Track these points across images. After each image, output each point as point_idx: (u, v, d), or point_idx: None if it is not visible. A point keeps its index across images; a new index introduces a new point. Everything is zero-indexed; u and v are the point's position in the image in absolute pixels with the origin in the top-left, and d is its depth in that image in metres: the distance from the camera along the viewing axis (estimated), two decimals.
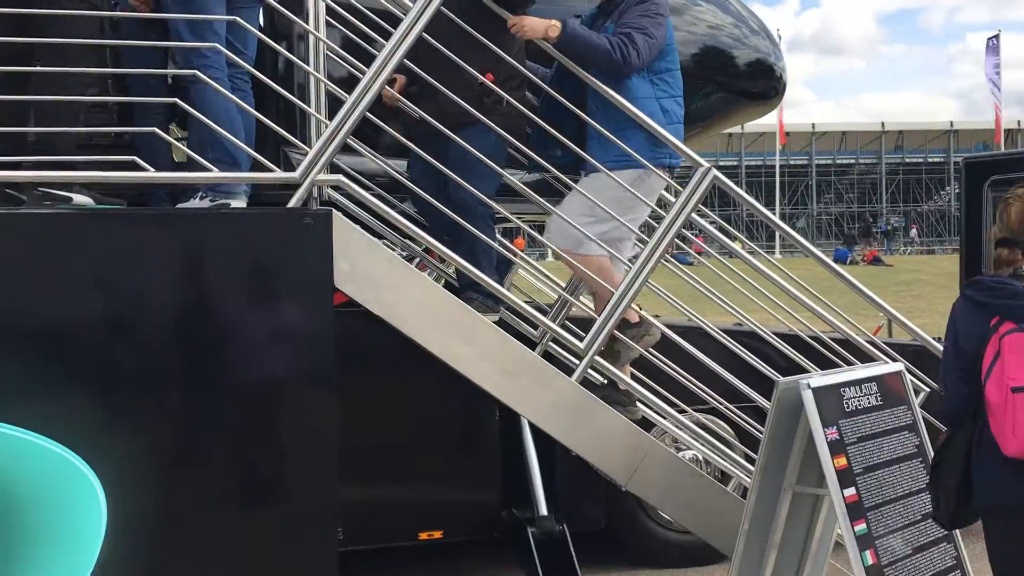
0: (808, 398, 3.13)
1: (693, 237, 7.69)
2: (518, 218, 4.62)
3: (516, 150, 3.91)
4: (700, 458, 5.03)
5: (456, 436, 4.91)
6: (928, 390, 4.36)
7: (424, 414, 4.90)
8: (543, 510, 4.81)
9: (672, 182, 4.04)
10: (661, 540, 5.02)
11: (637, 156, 3.73)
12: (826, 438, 3.11)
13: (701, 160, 3.81)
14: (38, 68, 3.13)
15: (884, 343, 4.54)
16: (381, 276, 3.51)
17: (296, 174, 3.35)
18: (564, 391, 3.70)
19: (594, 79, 3.75)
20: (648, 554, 5.17)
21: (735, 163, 49.60)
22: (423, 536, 4.88)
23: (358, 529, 4.83)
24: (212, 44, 3.34)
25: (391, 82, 3.67)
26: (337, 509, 3.76)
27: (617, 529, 5.15)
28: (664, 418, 4.01)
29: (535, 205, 3.94)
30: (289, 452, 3.54)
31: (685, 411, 4.85)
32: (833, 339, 4.77)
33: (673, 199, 3.92)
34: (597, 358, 3.71)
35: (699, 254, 4.67)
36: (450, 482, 4.94)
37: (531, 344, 4.12)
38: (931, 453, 3.43)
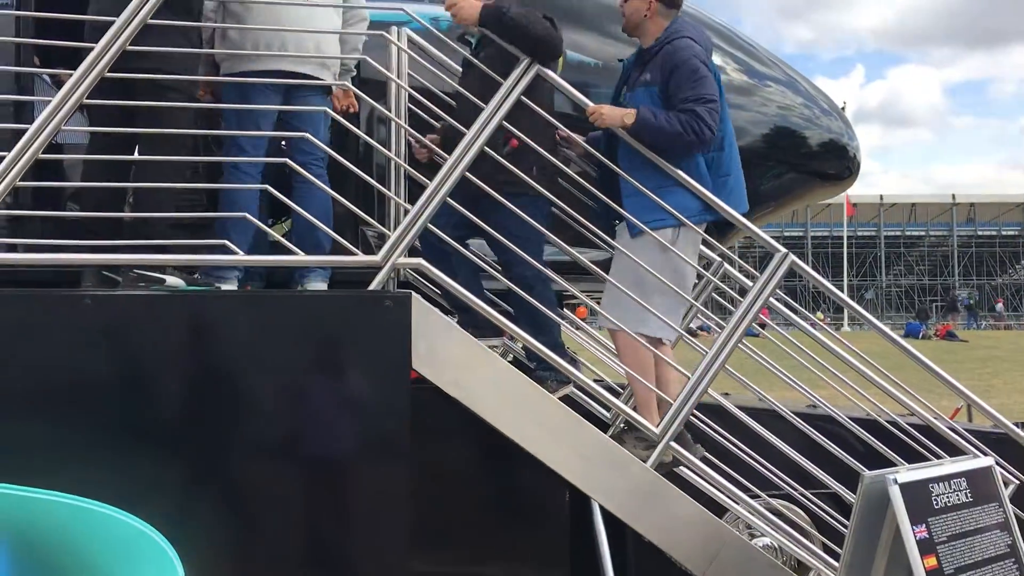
0: (895, 494, 3.04)
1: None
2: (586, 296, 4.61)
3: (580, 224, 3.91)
4: (775, 546, 4.90)
5: (525, 517, 4.86)
6: (1017, 483, 4.20)
7: (493, 495, 4.89)
8: None
9: (705, 235, 3.95)
10: None
11: (680, 215, 3.69)
12: (915, 536, 3.01)
13: (779, 246, 3.79)
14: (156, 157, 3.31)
15: (965, 429, 4.39)
16: (457, 358, 3.54)
17: (378, 257, 3.42)
18: (638, 476, 3.65)
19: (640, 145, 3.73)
20: None
21: (801, 234, 49.13)
22: None
23: None
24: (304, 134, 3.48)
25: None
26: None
27: None
28: (737, 503, 3.92)
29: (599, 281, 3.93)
30: (363, 530, 3.57)
31: (758, 496, 4.76)
32: (911, 423, 4.65)
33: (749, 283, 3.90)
34: (674, 445, 3.67)
35: (762, 327, 4.58)
36: (519, 564, 4.89)
37: (603, 426, 4.09)
38: (1023, 551, 3.30)
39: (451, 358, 3.54)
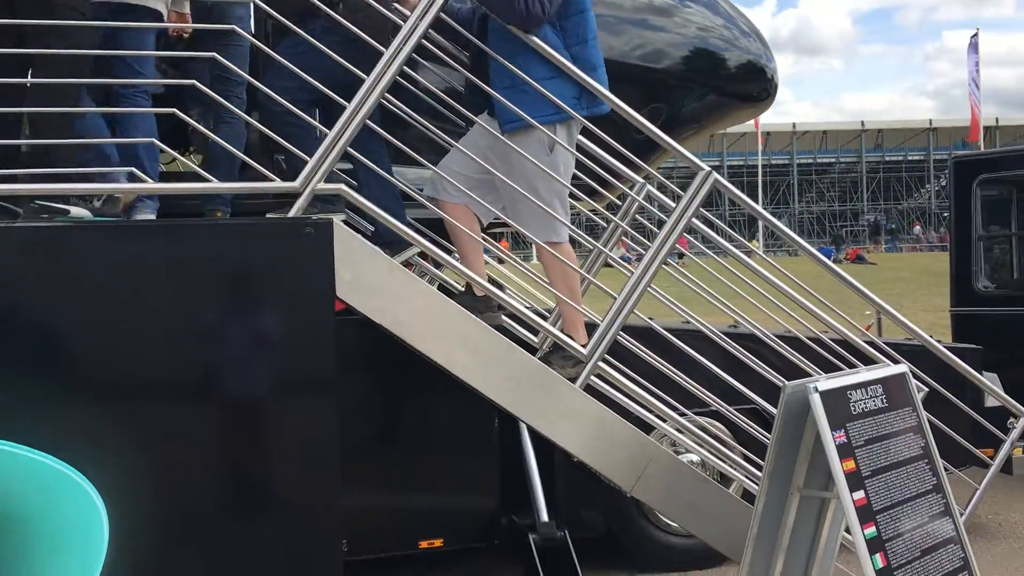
0: (816, 402, 3.12)
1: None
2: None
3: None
4: (699, 461, 5.03)
5: (454, 443, 4.89)
6: (928, 390, 4.37)
7: (422, 421, 4.90)
8: (544, 516, 4.81)
9: (592, 127, 3.88)
10: (661, 544, 5.01)
11: (567, 107, 3.59)
12: (834, 441, 3.11)
13: (702, 164, 3.79)
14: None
15: (887, 343, 4.54)
16: (383, 285, 3.48)
17: (297, 183, 3.31)
18: (567, 396, 3.67)
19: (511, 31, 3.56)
20: (648, 558, 5.15)
21: (717, 163, 49.82)
22: (423, 545, 4.86)
23: (359, 539, 4.81)
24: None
25: None
26: (340, 520, 3.74)
27: (617, 534, 5.14)
28: (665, 421, 3.99)
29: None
30: (291, 463, 3.50)
31: (685, 414, 4.86)
32: (831, 339, 4.78)
33: (672, 203, 3.92)
34: (602, 364, 3.70)
35: (682, 255, 4.62)
36: (450, 489, 4.93)
37: (533, 351, 4.11)
38: (936, 454, 3.44)
39: (377, 285, 3.48)
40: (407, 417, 4.91)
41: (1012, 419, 4.09)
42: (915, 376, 4.28)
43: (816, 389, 3.13)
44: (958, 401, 4.18)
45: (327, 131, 3.43)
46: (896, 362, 3.85)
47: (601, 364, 3.70)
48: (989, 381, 5.65)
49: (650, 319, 5.00)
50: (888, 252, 41.61)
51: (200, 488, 3.30)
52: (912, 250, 44.95)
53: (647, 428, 4.78)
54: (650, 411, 3.94)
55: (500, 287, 5.66)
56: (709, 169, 3.76)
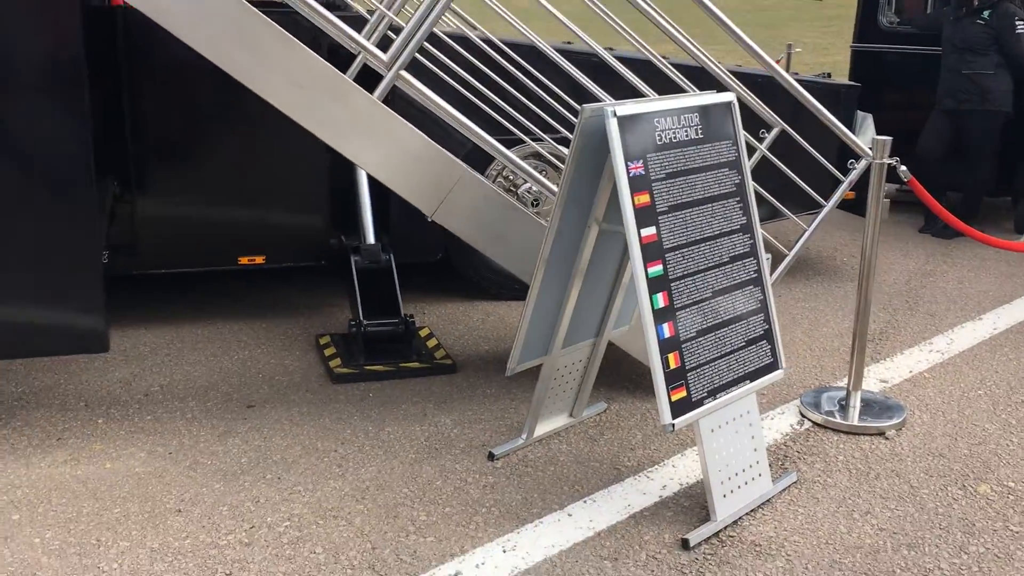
0: (613, 127, 2.79)
1: None
2: None
3: None
4: (535, 190, 4.77)
5: (279, 156, 4.52)
6: (781, 127, 4.08)
7: (240, 131, 4.49)
8: (370, 238, 4.57)
9: None
10: (497, 271, 4.86)
11: None
12: (628, 172, 2.81)
13: None
14: None
15: (732, 71, 4.17)
16: None
17: None
18: (363, 108, 3.28)
19: None
20: (484, 285, 5.04)
21: None
22: (243, 261, 4.64)
23: (170, 251, 4.55)
24: None
25: None
26: (99, 225, 3.51)
27: (454, 260, 4.97)
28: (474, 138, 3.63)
29: None
30: (36, 164, 3.20)
31: (524, 142, 4.53)
32: (684, 65, 4.41)
33: None
34: (403, 74, 3.27)
35: None
36: (273, 206, 4.62)
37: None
38: (751, 192, 3.20)
39: None
40: (221, 125, 4.49)
41: (852, 160, 3.84)
42: (765, 110, 4.00)
43: (614, 113, 2.79)
44: (800, 139, 3.90)
45: None
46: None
47: (404, 74, 3.27)
48: (861, 120, 5.42)
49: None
50: None
51: None
52: None
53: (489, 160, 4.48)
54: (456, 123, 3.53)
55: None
56: None
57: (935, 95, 6.50)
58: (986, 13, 6.18)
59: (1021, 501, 3.11)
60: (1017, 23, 6.10)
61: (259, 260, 4.62)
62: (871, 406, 3.77)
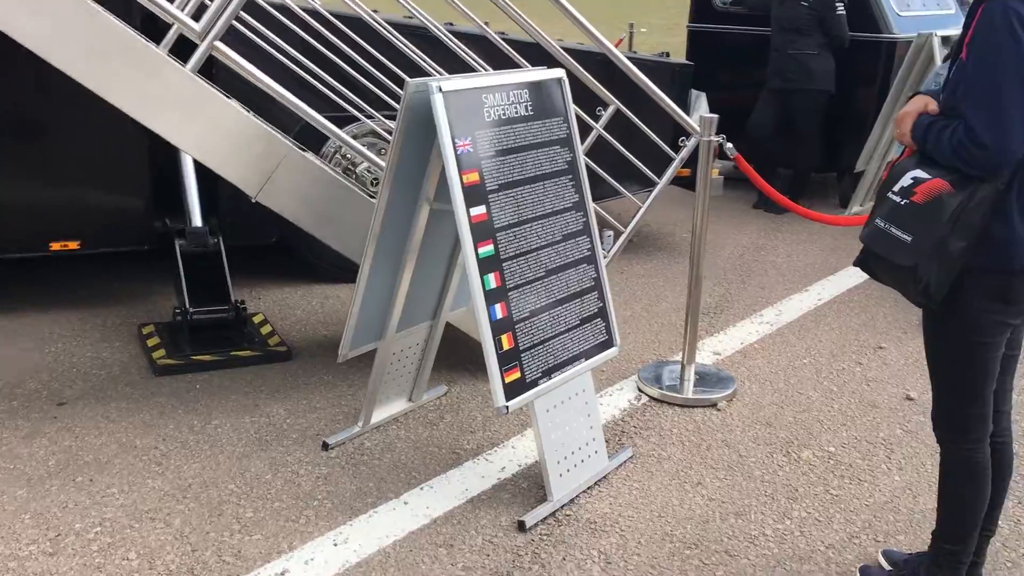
0: (439, 103, 2.70)
1: None
2: None
3: None
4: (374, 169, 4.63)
5: (93, 132, 4.20)
6: (617, 106, 4.09)
7: (48, 106, 4.15)
8: (197, 221, 4.32)
9: None
10: (333, 254, 4.68)
11: None
12: (456, 150, 2.73)
13: None
14: None
15: (570, 49, 4.16)
16: None
17: None
18: (175, 82, 3.06)
19: None
20: (324, 268, 4.87)
21: None
22: (56, 247, 4.30)
23: None
24: None
25: None
26: None
27: (291, 243, 4.77)
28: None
29: None
30: None
31: (359, 120, 4.38)
32: (522, 42, 4.36)
33: None
34: (219, 44, 3.07)
35: None
36: (88, 186, 4.30)
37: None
38: (583, 170, 3.18)
39: None
40: (27, 97, 4.12)
41: (683, 138, 3.89)
42: (600, 90, 3.99)
43: (439, 88, 2.70)
44: (631, 115, 3.92)
45: None
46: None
47: (219, 44, 3.07)
48: (695, 99, 5.53)
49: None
50: None
51: None
52: None
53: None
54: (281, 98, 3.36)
55: None
56: None
57: (766, 74, 6.72)
58: None
59: (840, 465, 3.25)
60: (837, 5, 6.38)
61: (73, 246, 4.29)
62: (705, 379, 3.86)
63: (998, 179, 1.96)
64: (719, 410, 3.65)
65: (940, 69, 5.15)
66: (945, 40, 6.14)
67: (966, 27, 2.00)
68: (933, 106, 2.10)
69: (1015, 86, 1.87)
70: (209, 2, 3.24)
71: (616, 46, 6.78)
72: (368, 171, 4.69)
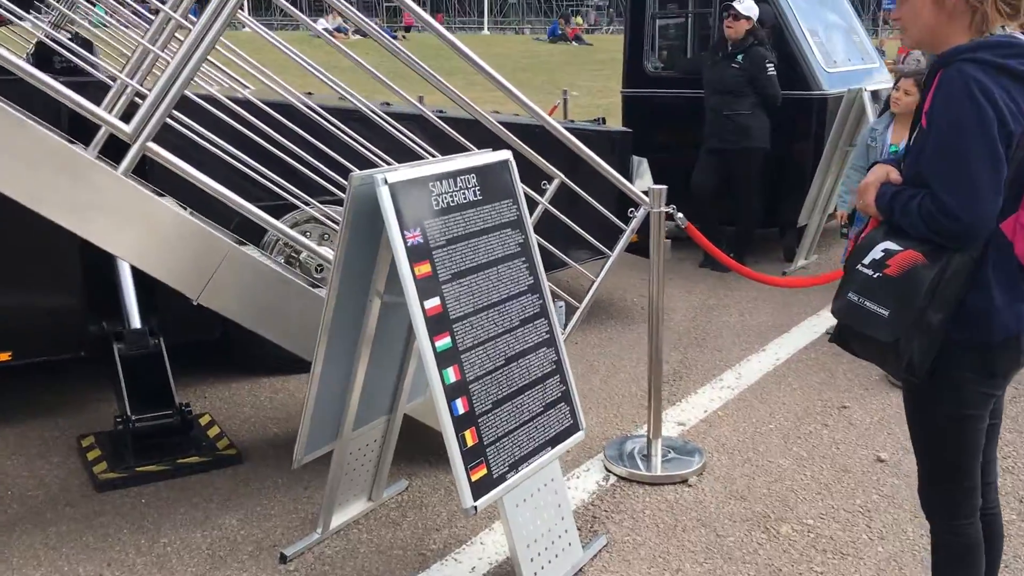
0: (385, 195, 2.61)
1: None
2: None
3: None
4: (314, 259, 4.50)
5: (19, 233, 4.01)
6: (562, 179, 4.04)
7: None
8: (135, 322, 4.14)
9: None
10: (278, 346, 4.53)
11: None
12: (406, 242, 2.64)
13: None
14: None
15: (509, 122, 4.12)
16: None
17: None
18: (105, 186, 2.93)
19: None
20: (268, 361, 4.70)
21: None
22: None
23: None
24: None
25: None
26: None
27: (235, 336, 4.59)
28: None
29: None
30: None
31: (297, 207, 4.27)
32: (461, 119, 4.31)
33: None
34: (151, 145, 2.95)
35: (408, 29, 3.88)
36: (14, 292, 4.09)
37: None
38: (536, 251, 3.10)
39: None
40: None
41: (632, 208, 3.86)
42: (544, 163, 3.94)
43: (385, 181, 2.61)
44: (579, 190, 3.87)
45: None
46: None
47: (152, 145, 2.95)
48: (637, 165, 5.54)
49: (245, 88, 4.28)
50: (616, 35, 42.68)
51: None
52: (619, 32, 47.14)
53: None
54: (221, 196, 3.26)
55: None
56: None
57: (703, 135, 6.80)
58: (740, 57, 6.55)
59: (821, 539, 3.16)
60: (768, 65, 6.50)
61: (4, 357, 4.07)
62: (672, 452, 3.77)
63: (973, 249, 1.92)
64: (690, 486, 3.55)
65: (875, 124, 5.23)
66: (874, 95, 6.29)
67: (923, 94, 1.98)
68: (895, 175, 2.07)
69: (981, 152, 1.84)
70: (140, 101, 3.14)
71: (551, 113, 6.80)
72: (311, 258, 4.56)
